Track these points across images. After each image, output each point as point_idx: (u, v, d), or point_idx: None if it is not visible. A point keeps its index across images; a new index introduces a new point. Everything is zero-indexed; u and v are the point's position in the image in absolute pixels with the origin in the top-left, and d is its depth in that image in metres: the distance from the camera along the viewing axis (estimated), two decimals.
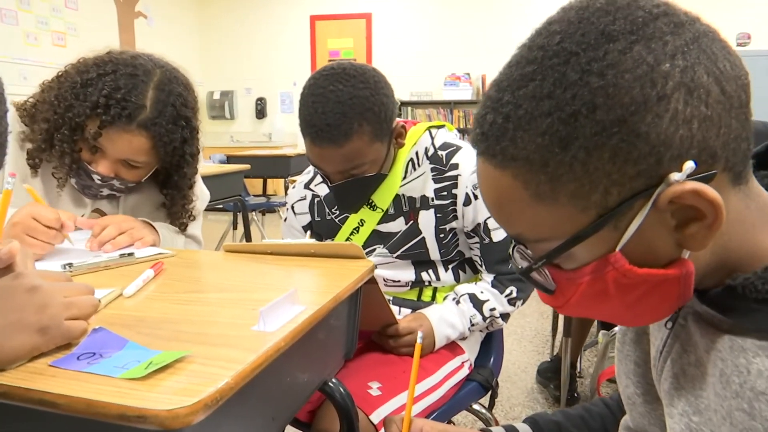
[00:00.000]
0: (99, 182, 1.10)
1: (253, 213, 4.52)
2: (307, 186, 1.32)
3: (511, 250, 0.53)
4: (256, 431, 0.65)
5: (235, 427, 0.60)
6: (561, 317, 2.24)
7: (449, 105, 7.02)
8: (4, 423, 0.54)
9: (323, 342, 0.83)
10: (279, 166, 4.30)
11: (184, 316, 0.69)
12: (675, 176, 0.41)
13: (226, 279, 0.89)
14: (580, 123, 0.41)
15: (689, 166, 0.41)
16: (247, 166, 3.17)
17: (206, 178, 2.73)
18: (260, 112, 7.64)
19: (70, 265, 0.90)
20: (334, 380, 0.90)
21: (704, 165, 0.42)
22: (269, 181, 5.13)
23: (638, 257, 0.45)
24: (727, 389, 0.43)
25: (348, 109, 1.02)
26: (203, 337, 0.62)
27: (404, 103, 7.18)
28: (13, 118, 1.12)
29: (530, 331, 2.95)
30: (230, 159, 4.33)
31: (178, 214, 1.24)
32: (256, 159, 4.36)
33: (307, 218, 1.31)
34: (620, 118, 0.41)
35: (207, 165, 3.37)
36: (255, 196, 4.68)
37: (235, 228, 4.30)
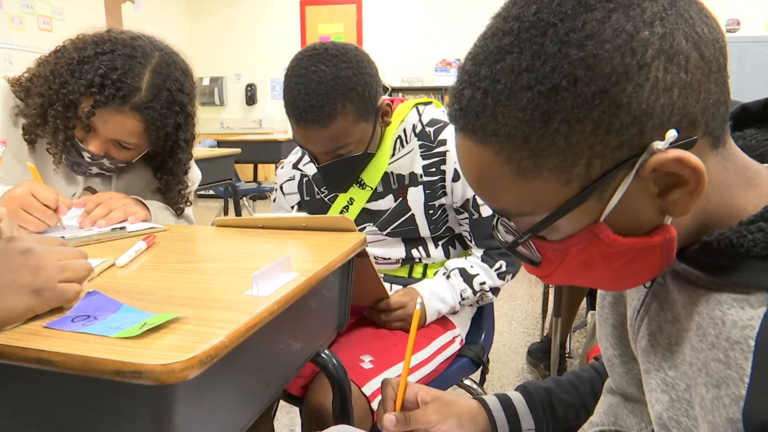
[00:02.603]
0: (89, 160, 1.10)
1: (245, 198, 4.51)
2: (295, 166, 1.32)
3: (495, 224, 0.53)
4: (250, 393, 0.66)
5: (230, 388, 0.61)
6: (551, 299, 2.27)
7: (440, 91, 7.00)
8: (1, 384, 0.54)
9: (315, 311, 0.84)
10: (269, 152, 4.29)
11: (178, 283, 0.70)
12: (657, 145, 0.41)
13: (218, 250, 0.89)
14: (561, 96, 0.41)
15: (672, 134, 0.41)
16: (237, 151, 3.16)
17: (197, 162, 2.75)
18: (250, 98, 7.60)
19: (63, 238, 0.90)
20: (327, 351, 0.91)
21: (685, 131, 0.42)
22: (260, 166, 5.11)
23: (622, 226, 0.46)
24: (703, 341, 0.44)
25: (331, 89, 1.02)
26: (197, 302, 0.62)
27: (395, 89, 7.15)
28: (5, 92, 1.11)
29: (521, 312, 2.98)
30: (220, 144, 4.32)
31: (174, 199, 1.24)
32: (247, 144, 4.35)
33: (297, 198, 1.32)
34: (601, 89, 0.40)
35: (197, 149, 3.35)
36: (246, 181, 4.67)
37: (226, 213, 4.29)
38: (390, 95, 7.18)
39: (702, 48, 0.42)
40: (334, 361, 0.90)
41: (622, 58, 0.40)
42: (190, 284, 0.69)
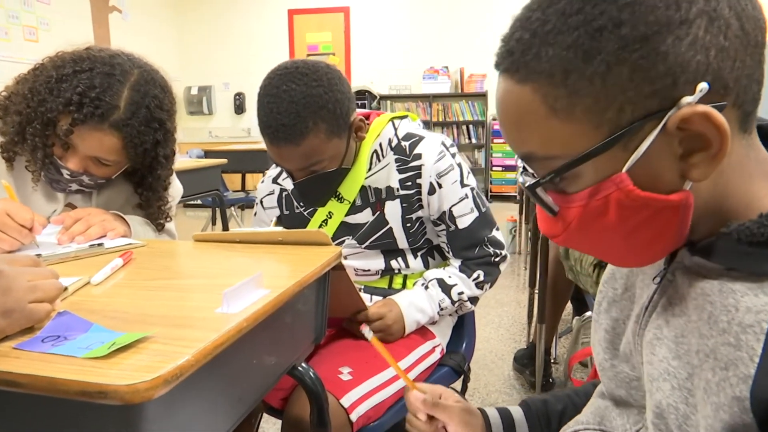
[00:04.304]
0: (68, 177, 1.10)
1: (232, 208, 4.51)
2: (275, 180, 1.34)
3: (519, 173, 0.55)
4: (221, 411, 0.67)
5: (201, 404, 0.62)
6: (536, 305, 2.28)
7: (428, 98, 7.05)
8: None
9: (291, 326, 0.85)
10: (257, 161, 4.30)
11: (151, 301, 0.71)
12: (687, 99, 0.43)
13: (194, 266, 0.90)
14: (605, 37, 0.43)
15: (702, 86, 0.43)
16: (224, 161, 3.16)
17: (183, 173, 2.77)
18: (239, 107, 7.61)
19: (39, 256, 0.90)
20: (303, 365, 0.92)
21: (716, 95, 0.44)
22: (248, 175, 5.12)
23: (642, 182, 0.47)
24: (714, 328, 0.46)
25: (302, 108, 1.04)
26: (168, 320, 0.63)
27: (383, 97, 7.19)
28: None
29: (507, 319, 2.99)
30: (208, 154, 4.32)
31: (154, 215, 1.24)
32: (234, 154, 4.35)
33: (276, 212, 1.33)
34: (643, 35, 0.43)
35: (184, 160, 3.35)
36: (234, 191, 4.68)
37: (213, 224, 4.29)
38: (378, 103, 7.23)
39: (743, 20, 0.44)
40: (311, 374, 0.91)
41: (667, 10, 0.43)
42: (163, 302, 0.70)
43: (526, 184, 0.52)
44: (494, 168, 7.02)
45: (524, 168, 0.54)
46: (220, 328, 0.59)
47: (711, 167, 0.45)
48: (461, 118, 7.09)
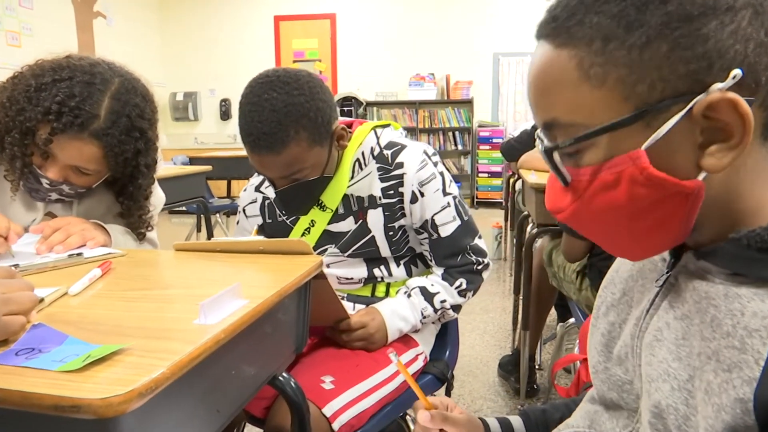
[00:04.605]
0: (47, 186, 1.09)
1: (218, 215, 4.49)
2: (257, 189, 1.34)
3: (539, 142, 0.54)
4: (199, 422, 0.67)
5: (178, 417, 0.61)
6: (521, 311, 2.30)
7: (414, 105, 7.08)
8: None
9: (271, 335, 0.85)
10: (242, 167, 4.28)
11: (128, 312, 0.70)
12: (718, 85, 0.44)
13: (173, 276, 0.90)
14: (650, 11, 0.44)
15: (736, 73, 0.43)
16: (208, 168, 3.15)
17: (167, 180, 2.75)
18: (225, 113, 7.58)
19: (17, 266, 0.89)
20: (284, 374, 0.91)
21: (746, 89, 0.44)
22: (233, 182, 5.10)
23: (657, 164, 0.47)
24: (717, 331, 0.46)
25: (283, 116, 1.04)
26: (144, 331, 0.63)
27: (369, 104, 7.21)
28: None
29: (493, 326, 3.01)
30: (193, 161, 4.30)
31: (135, 224, 1.23)
32: (220, 160, 4.34)
33: (259, 220, 1.33)
34: (688, 15, 0.44)
35: (168, 167, 3.33)
36: (219, 198, 4.65)
37: (199, 230, 4.26)
38: (364, 109, 7.24)
39: None
40: (292, 383, 0.91)
41: None
42: (140, 313, 0.70)
43: (544, 148, 0.52)
44: (480, 174, 7.05)
45: (542, 138, 0.54)
46: (196, 340, 0.59)
47: (727, 159, 0.46)
48: (447, 125, 7.12)
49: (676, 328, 0.52)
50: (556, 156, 0.52)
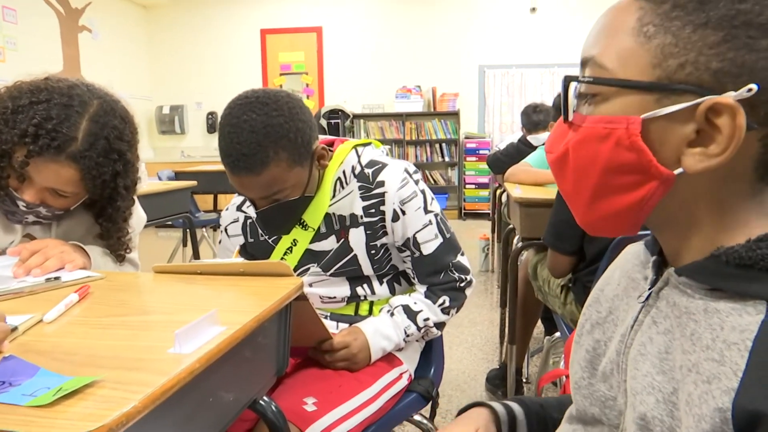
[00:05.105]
0: (24, 209, 1.08)
1: (204, 229, 4.46)
2: (239, 208, 1.33)
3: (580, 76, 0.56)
4: None
5: None
6: (507, 325, 2.30)
7: (401, 117, 7.10)
8: None
9: (250, 360, 0.84)
10: (228, 182, 4.25)
11: (103, 340, 0.70)
12: (732, 93, 0.45)
13: (151, 301, 0.89)
14: (723, 1, 0.46)
15: (752, 86, 0.45)
16: (193, 183, 3.14)
17: (152, 196, 2.73)
18: (212, 126, 7.56)
19: None
20: (265, 398, 0.91)
21: (754, 116, 0.46)
22: (220, 196, 5.08)
23: (647, 140, 0.49)
24: (697, 344, 0.48)
25: (262, 137, 1.04)
26: (118, 362, 0.62)
27: (356, 116, 7.23)
28: None
29: (481, 339, 3.00)
30: (179, 175, 4.27)
31: (114, 246, 1.22)
32: (206, 174, 4.31)
33: (241, 240, 1.32)
34: (753, 21, 0.45)
35: (153, 182, 3.32)
36: (205, 211, 4.63)
37: (185, 245, 4.23)
38: (352, 122, 7.25)
39: None
40: (273, 407, 0.90)
41: None
42: (115, 341, 0.69)
43: (565, 75, 0.55)
44: (467, 186, 7.08)
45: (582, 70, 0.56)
46: (170, 371, 0.58)
47: (702, 165, 0.48)
48: (434, 137, 7.15)
49: (659, 343, 0.53)
50: (571, 87, 0.55)
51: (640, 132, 0.49)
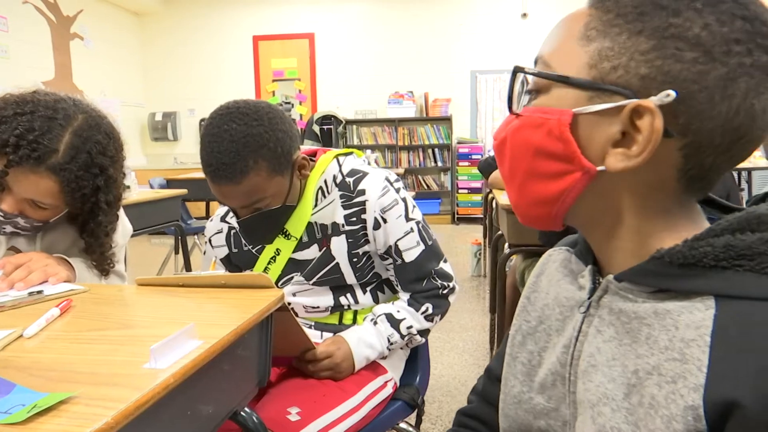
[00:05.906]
0: (1, 219, 1.09)
1: (196, 236, 4.46)
2: (223, 219, 1.34)
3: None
4: None
5: None
6: (497, 331, 2.32)
7: (394, 122, 7.13)
8: None
9: (230, 372, 0.85)
10: None
11: (81, 355, 0.70)
12: (654, 98, 0.48)
13: (132, 314, 0.90)
14: (659, 13, 0.48)
15: (669, 92, 0.47)
16: (184, 191, 3.15)
17: (144, 204, 2.74)
18: None
19: None
20: (246, 409, 0.91)
21: (674, 125, 0.48)
22: (212, 203, 5.09)
23: (575, 134, 0.52)
24: (654, 347, 0.49)
25: (242, 147, 1.06)
26: (94, 377, 0.63)
27: (349, 122, 7.25)
28: None
29: (472, 344, 3.01)
30: (171, 182, 4.28)
31: (97, 261, 1.23)
32: (198, 182, 4.32)
33: (225, 251, 1.34)
34: (684, 36, 0.47)
35: (144, 190, 3.32)
36: (197, 218, 4.63)
37: (177, 252, 4.23)
38: (344, 127, 7.26)
39: (757, 122, 0.48)
40: (254, 418, 0.91)
41: (724, 47, 0.47)
42: (93, 356, 0.70)
43: (514, 66, 0.58)
44: (460, 190, 7.10)
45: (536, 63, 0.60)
46: (144, 386, 0.59)
47: (621, 165, 0.50)
48: (427, 142, 7.18)
49: (606, 351, 0.54)
50: (518, 78, 0.58)
51: (569, 124, 0.52)
